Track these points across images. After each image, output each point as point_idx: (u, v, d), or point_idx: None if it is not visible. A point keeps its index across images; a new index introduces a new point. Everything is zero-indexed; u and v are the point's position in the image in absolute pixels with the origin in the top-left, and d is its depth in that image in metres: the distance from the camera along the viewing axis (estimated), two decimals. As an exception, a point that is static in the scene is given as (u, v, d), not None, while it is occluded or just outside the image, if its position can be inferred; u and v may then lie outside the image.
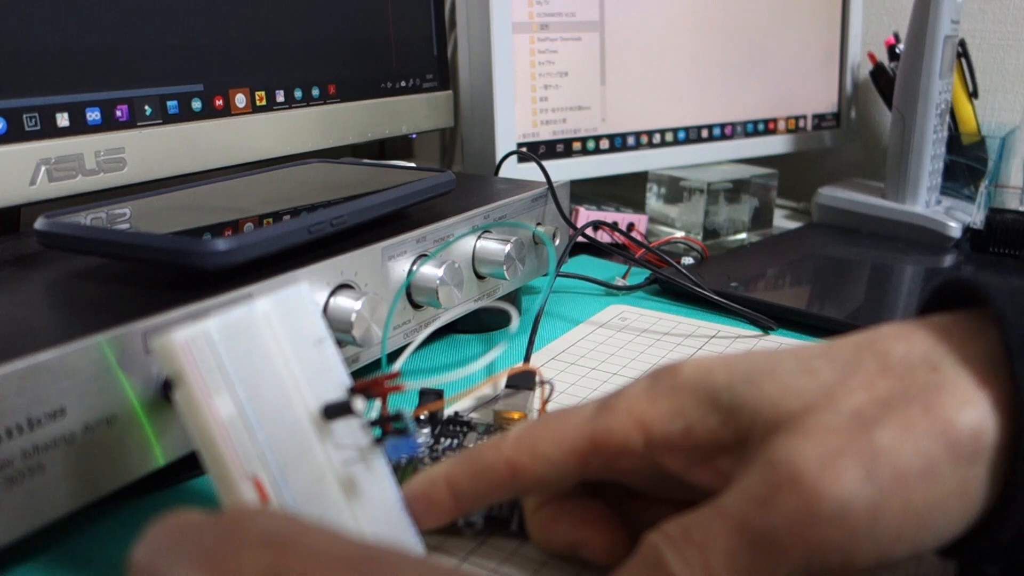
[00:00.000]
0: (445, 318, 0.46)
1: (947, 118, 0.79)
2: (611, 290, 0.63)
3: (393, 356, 0.41)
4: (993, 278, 0.26)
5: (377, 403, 0.29)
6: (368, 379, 0.28)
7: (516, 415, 0.39)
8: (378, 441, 0.29)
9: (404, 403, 0.42)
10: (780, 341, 0.53)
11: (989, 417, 0.24)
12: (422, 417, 0.39)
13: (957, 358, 0.25)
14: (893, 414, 0.24)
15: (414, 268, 0.44)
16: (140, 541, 0.22)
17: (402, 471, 0.34)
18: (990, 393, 0.24)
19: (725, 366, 0.27)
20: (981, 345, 0.25)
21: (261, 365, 0.26)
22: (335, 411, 0.27)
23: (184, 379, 0.25)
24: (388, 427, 0.28)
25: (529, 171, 0.71)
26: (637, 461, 0.27)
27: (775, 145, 0.90)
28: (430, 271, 0.43)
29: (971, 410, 0.24)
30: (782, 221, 0.88)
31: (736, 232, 0.79)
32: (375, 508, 0.28)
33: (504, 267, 0.48)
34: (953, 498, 0.23)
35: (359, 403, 0.27)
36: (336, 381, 0.28)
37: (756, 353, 0.27)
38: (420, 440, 0.37)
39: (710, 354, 0.29)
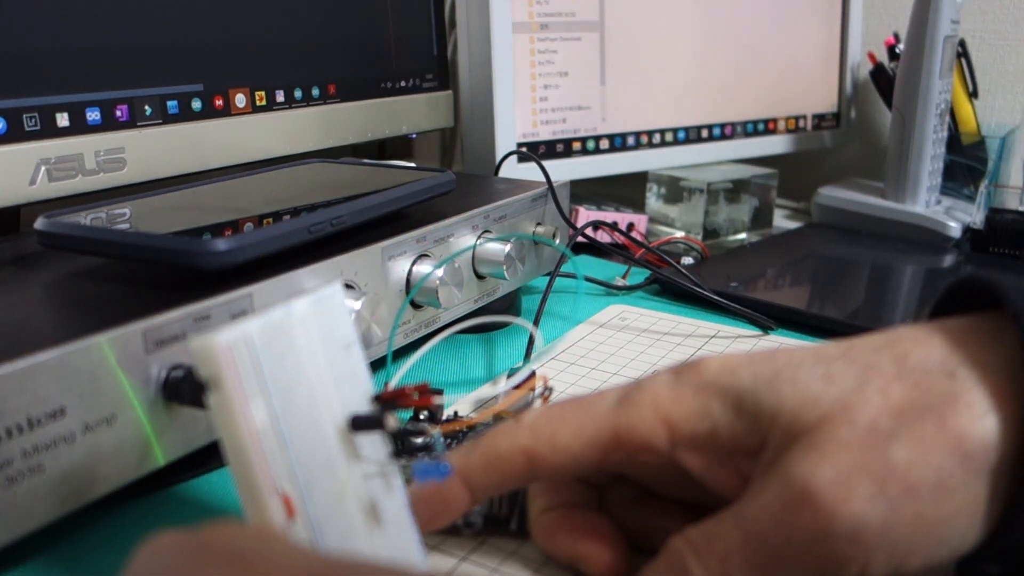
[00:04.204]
0: (452, 329, 0.46)
1: (947, 118, 0.79)
2: (611, 290, 0.63)
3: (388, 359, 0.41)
4: (1008, 278, 0.26)
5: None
6: (395, 389, 0.27)
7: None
8: (397, 455, 0.28)
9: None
10: (780, 341, 0.53)
11: (1003, 429, 0.23)
12: (422, 417, 0.39)
13: (973, 365, 0.25)
14: (907, 428, 0.24)
15: (414, 269, 0.44)
16: (126, 571, 0.22)
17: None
18: (1005, 403, 0.24)
19: (750, 367, 0.27)
20: (998, 350, 0.25)
21: (294, 371, 0.25)
22: (363, 424, 0.26)
23: (222, 384, 0.23)
24: (409, 444, 0.27)
25: (529, 171, 0.71)
26: (657, 457, 0.27)
27: (775, 145, 0.90)
28: (429, 271, 0.43)
29: (985, 423, 0.24)
30: (782, 221, 0.88)
31: (736, 232, 0.79)
32: (391, 525, 0.27)
33: (504, 267, 0.48)
34: (966, 510, 0.24)
35: (391, 420, 0.26)
36: (361, 388, 0.27)
37: (779, 354, 0.27)
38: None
39: (734, 352, 0.28)
